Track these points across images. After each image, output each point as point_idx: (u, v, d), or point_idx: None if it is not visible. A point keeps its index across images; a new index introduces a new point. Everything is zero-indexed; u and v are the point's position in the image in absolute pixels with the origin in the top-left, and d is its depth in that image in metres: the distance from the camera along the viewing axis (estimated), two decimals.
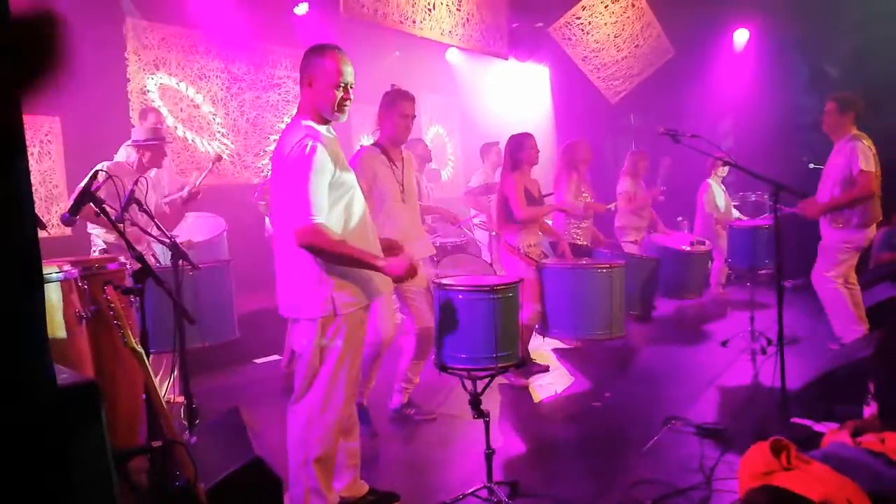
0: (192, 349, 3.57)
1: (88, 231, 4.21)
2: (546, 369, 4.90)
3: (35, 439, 1.18)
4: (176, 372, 3.57)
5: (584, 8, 7.18)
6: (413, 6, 6.04)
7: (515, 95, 9.54)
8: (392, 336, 3.64)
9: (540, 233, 4.76)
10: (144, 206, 3.25)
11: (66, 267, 2.77)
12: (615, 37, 7.53)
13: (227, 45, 6.71)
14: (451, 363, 2.77)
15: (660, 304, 6.28)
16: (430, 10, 6.21)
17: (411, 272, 2.55)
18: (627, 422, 3.87)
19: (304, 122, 2.52)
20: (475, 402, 2.74)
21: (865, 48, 7.22)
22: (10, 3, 1.11)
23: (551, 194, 5.25)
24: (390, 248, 2.84)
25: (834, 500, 2.04)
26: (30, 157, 5.28)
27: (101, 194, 2.69)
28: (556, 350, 5.43)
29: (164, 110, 6.13)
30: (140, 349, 2.21)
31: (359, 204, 2.62)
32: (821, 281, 4.82)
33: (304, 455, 2.54)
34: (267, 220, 5.17)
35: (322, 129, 2.55)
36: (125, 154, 4.22)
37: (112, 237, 4.06)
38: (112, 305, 2.20)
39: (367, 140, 6.40)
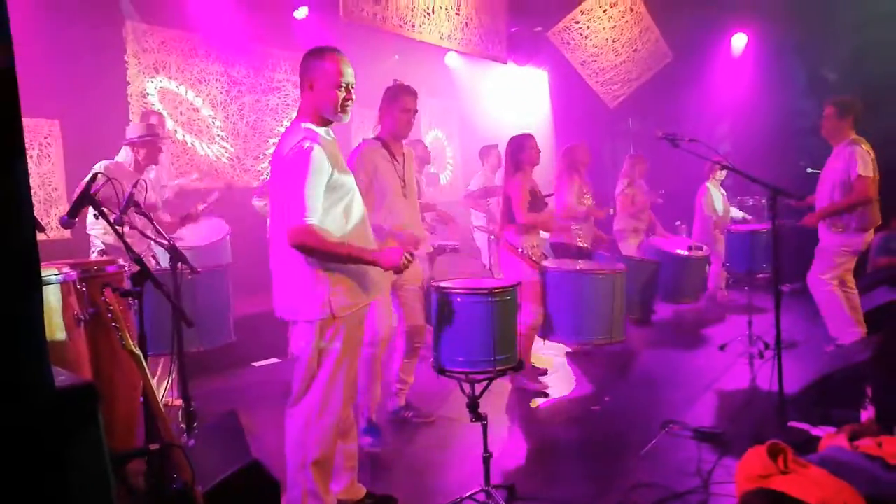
0: (189, 353, 3.58)
1: (88, 232, 4.21)
2: (544, 372, 4.91)
3: (33, 441, 1.19)
4: (174, 375, 3.58)
5: (582, 12, 7.20)
6: (412, 10, 6.05)
7: (514, 99, 9.56)
8: (388, 336, 3.63)
9: (542, 234, 4.73)
10: (143, 209, 3.25)
11: (65, 269, 2.77)
12: (614, 41, 7.55)
13: (227, 49, 6.73)
14: (449, 366, 2.77)
15: (658, 308, 6.29)
16: (429, 14, 6.22)
17: (406, 261, 2.55)
18: (625, 425, 3.87)
19: (303, 125, 2.53)
20: (473, 406, 2.74)
21: (863, 51, 7.24)
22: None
23: (552, 195, 5.23)
24: (410, 242, 2.87)
25: None
26: (29, 160, 5.32)
27: (101, 196, 2.70)
28: (554, 353, 5.43)
29: (164, 115, 6.14)
30: (138, 352, 2.22)
31: (357, 206, 2.62)
32: (816, 283, 4.83)
33: (301, 457, 2.54)
34: (269, 221, 5.18)
35: (321, 131, 2.55)
36: (124, 154, 4.23)
37: (111, 238, 4.07)
38: (110, 308, 2.21)
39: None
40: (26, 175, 1.17)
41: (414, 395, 4.07)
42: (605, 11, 7.36)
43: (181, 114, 6.46)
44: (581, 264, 4.75)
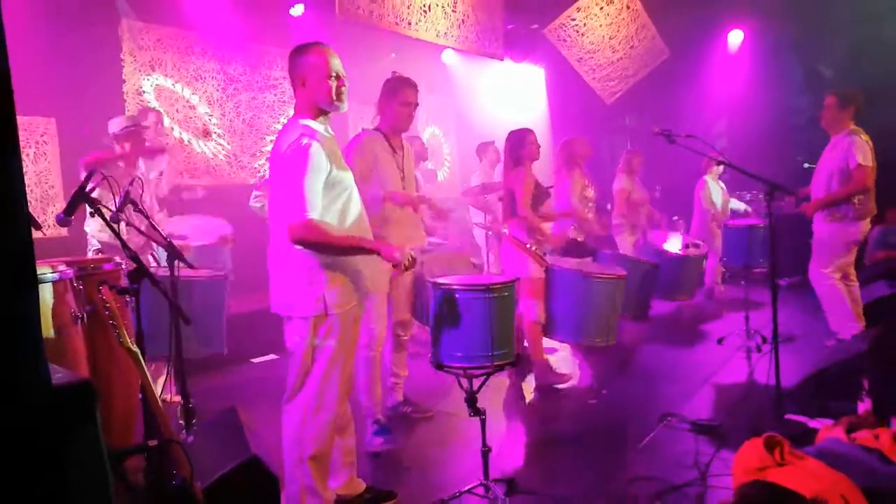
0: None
1: (84, 229, 4.21)
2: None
3: (30, 439, 1.19)
4: (171, 372, 3.57)
5: (579, 9, 7.20)
6: (408, 8, 6.04)
7: (511, 96, 9.55)
8: (384, 336, 3.62)
9: (545, 227, 4.66)
10: (140, 207, 3.25)
11: (61, 267, 2.76)
12: (610, 38, 7.55)
13: (223, 47, 6.72)
14: (448, 361, 2.77)
15: (655, 304, 6.29)
16: (425, 11, 6.22)
17: (408, 261, 2.56)
18: (623, 419, 3.88)
19: (301, 122, 2.53)
20: (471, 401, 2.75)
21: (859, 47, 7.26)
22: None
23: (551, 187, 5.15)
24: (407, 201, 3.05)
25: (827, 496, 2.05)
26: (25, 158, 5.32)
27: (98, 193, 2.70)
28: (550, 348, 5.43)
29: (161, 113, 6.13)
30: (135, 349, 2.22)
31: (355, 204, 2.63)
32: (818, 277, 4.82)
33: (298, 453, 2.55)
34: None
35: (320, 127, 2.55)
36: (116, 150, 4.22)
37: (106, 236, 4.06)
38: (107, 305, 2.20)
39: None
40: (20, 173, 1.17)
41: (412, 390, 4.07)
42: (601, 8, 7.36)
43: (177, 111, 6.45)
44: (586, 265, 4.70)
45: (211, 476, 2.39)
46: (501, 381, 4.50)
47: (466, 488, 2.81)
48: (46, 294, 2.63)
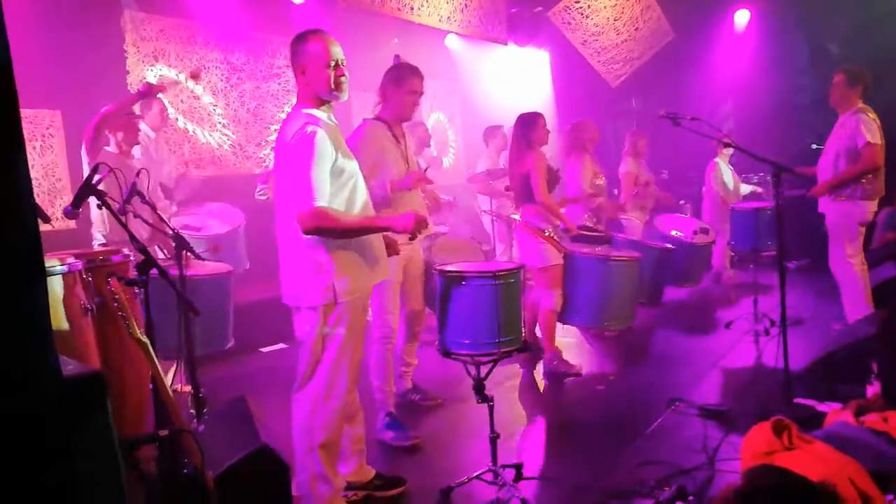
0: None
1: (91, 220, 4.21)
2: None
3: (41, 430, 1.20)
4: (181, 363, 3.59)
5: None
6: None
7: (515, 80, 9.49)
8: (398, 328, 3.59)
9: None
10: (147, 199, 3.26)
11: (70, 259, 2.78)
12: (615, 20, 7.49)
13: (226, 36, 6.69)
14: (455, 349, 2.78)
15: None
16: None
17: (420, 223, 2.56)
18: (632, 404, 3.89)
19: (304, 111, 2.53)
20: (479, 387, 2.76)
21: (866, 25, 7.16)
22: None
23: (558, 170, 5.11)
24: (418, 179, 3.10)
25: (835, 480, 2.05)
26: (32, 151, 5.34)
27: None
28: (560, 335, 5.43)
29: (164, 101, 6.12)
30: (145, 339, 2.23)
31: (361, 191, 2.63)
32: (842, 265, 4.68)
33: (308, 442, 2.57)
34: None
35: (323, 116, 2.55)
36: (111, 141, 4.22)
37: (109, 231, 4.07)
38: (116, 297, 2.22)
39: None
40: (26, 166, 1.17)
41: (421, 378, 4.08)
42: None
43: (182, 102, 6.45)
44: (604, 249, 4.65)
45: (222, 465, 2.41)
46: (509, 368, 4.50)
47: (475, 474, 2.83)
48: (56, 286, 2.65)
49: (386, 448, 3.40)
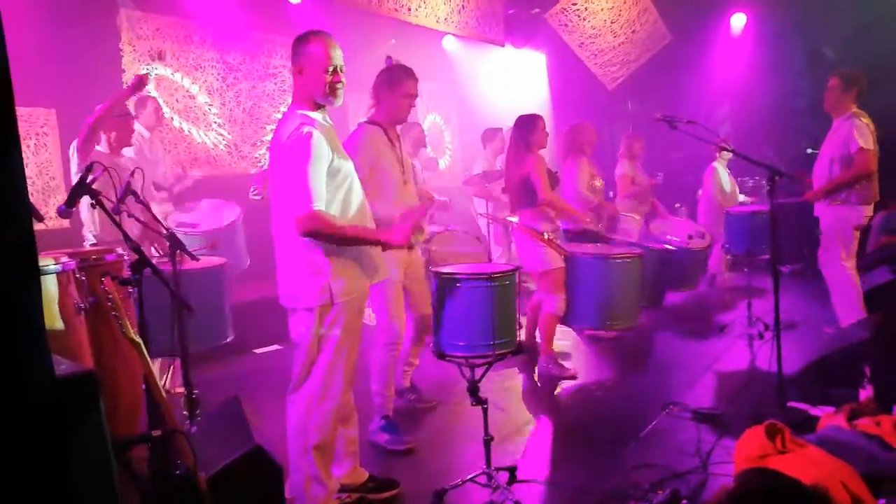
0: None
1: (82, 220, 4.19)
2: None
3: (34, 429, 1.20)
4: (175, 364, 3.58)
5: None
6: None
7: (512, 82, 9.50)
8: (404, 333, 3.55)
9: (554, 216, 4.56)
10: (141, 198, 3.24)
11: (64, 259, 2.77)
12: (612, 23, 7.50)
13: (222, 35, 6.68)
14: (450, 351, 2.78)
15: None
16: None
17: (415, 232, 2.56)
18: (626, 407, 3.89)
19: (299, 111, 2.52)
20: (473, 390, 2.76)
21: (863, 29, 7.19)
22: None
23: (556, 172, 5.03)
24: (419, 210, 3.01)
25: (828, 483, 2.06)
26: (26, 150, 5.32)
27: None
28: (556, 338, 5.43)
29: (158, 100, 6.11)
30: (139, 339, 2.22)
31: (357, 192, 2.62)
32: (837, 270, 4.70)
33: (303, 443, 2.56)
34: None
35: (318, 116, 2.54)
36: (103, 140, 4.19)
37: (100, 230, 4.05)
38: (110, 296, 2.21)
39: None
40: (21, 165, 1.17)
41: (418, 378, 4.07)
42: None
43: (177, 101, 6.43)
44: (605, 248, 4.62)
45: (215, 466, 2.41)
46: (504, 370, 4.50)
47: (469, 477, 2.83)
48: (51, 286, 2.64)
49: (380, 450, 3.40)
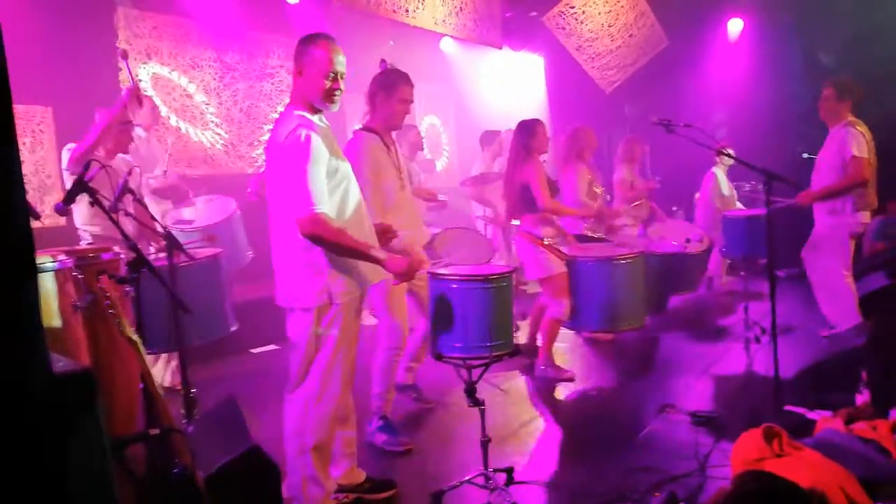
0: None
1: (76, 225, 4.16)
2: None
3: (31, 427, 1.19)
4: (174, 359, 3.56)
5: None
6: None
7: (510, 85, 9.52)
8: (407, 334, 3.54)
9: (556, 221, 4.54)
10: (138, 197, 3.24)
11: (61, 257, 2.76)
12: (609, 26, 7.52)
13: (220, 35, 6.67)
14: (447, 352, 2.78)
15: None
16: None
17: (412, 272, 2.56)
18: (623, 410, 3.89)
19: (295, 112, 2.51)
20: (470, 391, 2.75)
21: (861, 35, 7.21)
22: None
23: (557, 181, 4.96)
24: (384, 232, 2.84)
25: (825, 487, 2.06)
26: (22, 147, 5.29)
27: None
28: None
29: (156, 100, 6.09)
30: (136, 338, 2.21)
31: (354, 193, 2.62)
32: (834, 276, 4.70)
33: (300, 444, 2.56)
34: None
35: (314, 118, 2.54)
36: None
37: (98, 229, 4.03)
38: (107, 295, 2.20)
39: None
40: (18, 162, 1.16)
41: (418, 378, 4.07)
42: None
43: (174, 100, 6.42)
44: (607, 249, 4.58)
45: (212, 465, 2.40)
46: (502, 372, 4.50)
47: (466, 478, 2.82)
48: (48, 283, 2.63)
49: (377, 451, 3.39)
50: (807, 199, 4.77)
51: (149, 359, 2.52)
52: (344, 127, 7.49)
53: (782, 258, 5.14)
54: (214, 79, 6.72)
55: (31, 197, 5.18)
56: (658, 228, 6.21)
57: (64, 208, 2.69)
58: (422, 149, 6.39)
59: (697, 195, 7.29)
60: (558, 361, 4.58)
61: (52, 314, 2.62)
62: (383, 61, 3.60)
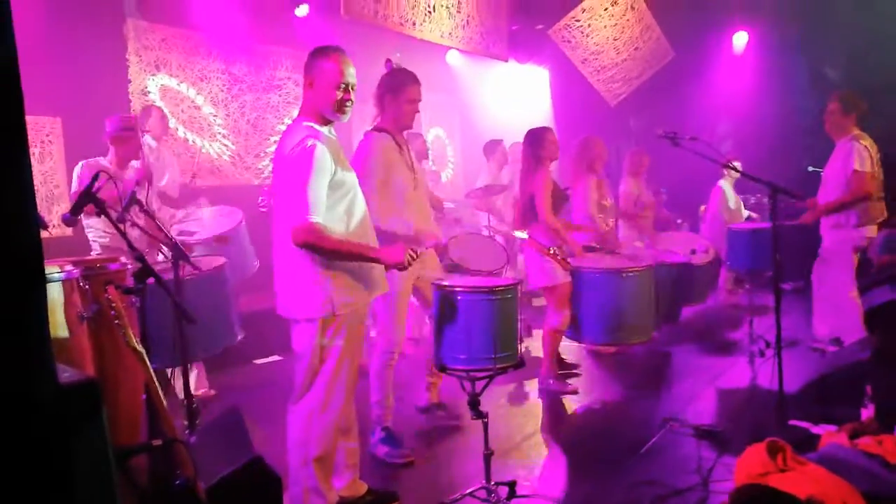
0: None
1: (86, 234, 4.20)
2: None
3: (37, 437, 1.20)
4: (182, 369, 3.56)
5: (583, 10, 7.21)
6: (413, 8, 6.06)
7: (515, 97, 9.56)
8: (402, 342, 3.55)
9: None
10: (146, 207, 3.26)
11: (68, 267, 2.77)
12: (615, 39, 7.55)
13: (228, 47, 6.73)
14: (451, 364, 2.77)
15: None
16: (429, 12, 6.23)
17: (410, 257, 2.56)
18: (626, 423, 3.88)
19: (305, 123, 2.54)
20: (474, 403, 2.75)
21: (865, 48, 7.22)
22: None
23: (568, 189, 4.94)
24: (417, 240, 2.96)
25: (829, 501, 2.05)
26: (31, 158, 5.31)
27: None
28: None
29: (163, 109, 6.14)
30: (141, 348, 2.22)
31: (359, 205, 2.63)
32: (839, 291, 4.69)
33: (303, 455, 2.56)
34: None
35: (323, 130, 2.56)
36: (111, 150, 4.21)
37: (107, 240, 4.07)
38: (113, 305, 2.21)
39: None
40: (30, 172, 1.18)
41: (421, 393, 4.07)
42: (605, 10, 7.36)
43: (182, 111, 6.47)
44: (616, 261, 4.53)
45: (214, 476, 2.40)
46: (506, 385, 4.49)
47: (468, 491, 2.82)
48: (55, 293, 2.64)
49: (379, 462, 3.39)
50: (811, 217, 4.77)
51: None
52: (350, 139, 7.53)
53: (788, 271, 5.13)
54: (222, 90, 6.77)
55: (40, 207, 5.21)
56: (664, 239, 6.20)
57: (71, 219, 2.72)
58: (427, 157, 6.40)
59: (703, 207, 7.28)
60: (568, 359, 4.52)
61: (58, 324, 2.63)
62: (388, 61, 3.58)
